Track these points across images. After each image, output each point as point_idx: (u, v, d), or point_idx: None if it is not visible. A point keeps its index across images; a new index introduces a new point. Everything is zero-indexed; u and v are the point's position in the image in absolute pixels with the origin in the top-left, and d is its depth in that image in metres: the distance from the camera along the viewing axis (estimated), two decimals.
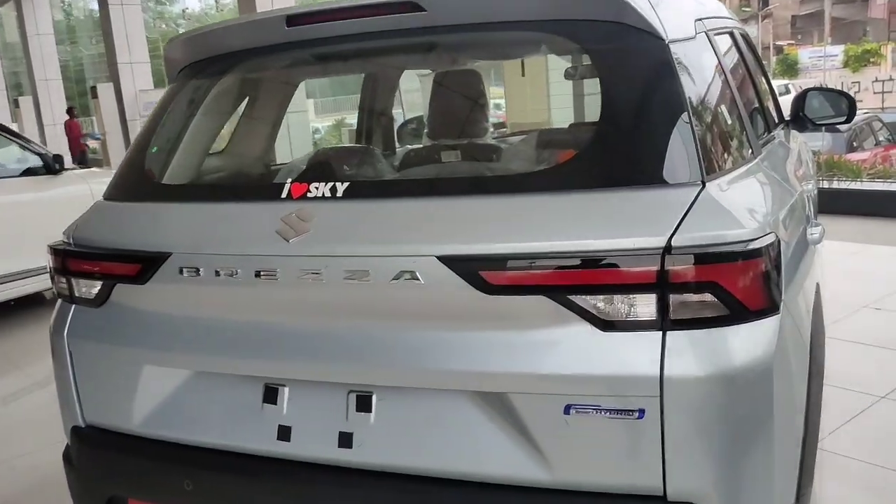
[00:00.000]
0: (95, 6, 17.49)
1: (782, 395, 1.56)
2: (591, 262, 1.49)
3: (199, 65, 2.19)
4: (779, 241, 1.58)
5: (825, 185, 7.64)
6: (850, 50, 30.64)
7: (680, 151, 1.58)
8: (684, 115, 1.60)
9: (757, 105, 2.64)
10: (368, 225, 1.69)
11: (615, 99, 1.67)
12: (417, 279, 1.58)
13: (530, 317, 1.54)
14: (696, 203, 1.51)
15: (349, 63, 2.58)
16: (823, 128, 3.30)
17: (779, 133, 2.83)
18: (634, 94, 1.67)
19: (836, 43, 33.33)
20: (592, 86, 1.95)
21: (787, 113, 3.21)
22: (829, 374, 2.76)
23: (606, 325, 1.50)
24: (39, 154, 6.21)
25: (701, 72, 1.81)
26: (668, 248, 1.46)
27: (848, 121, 3.15)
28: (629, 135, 1.62)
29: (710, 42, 2.00)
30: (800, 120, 3.11)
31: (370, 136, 3.80)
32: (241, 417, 1.82)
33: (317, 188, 1.75)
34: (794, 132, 3.26)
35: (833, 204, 6.41)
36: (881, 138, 12.75)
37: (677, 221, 1.48)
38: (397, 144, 3.73)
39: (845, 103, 3.10)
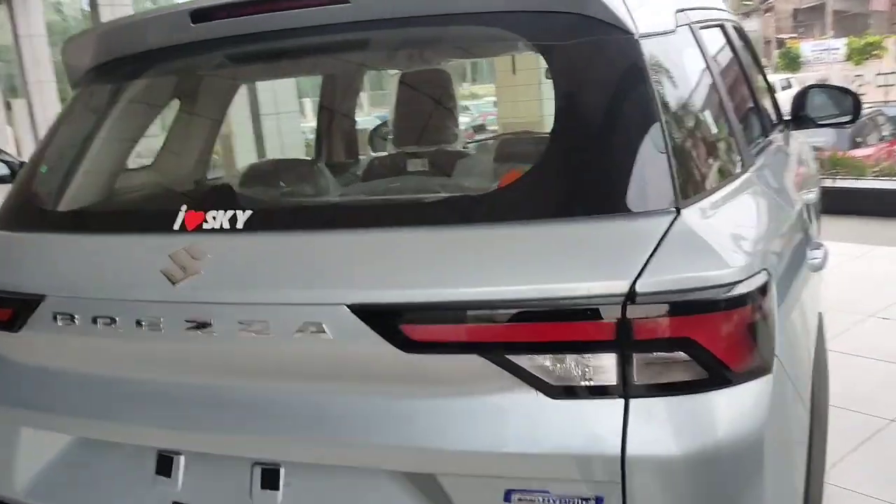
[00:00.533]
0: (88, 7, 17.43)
1: (776, 476, 1.30)
2: (536, 313, 1.23)
3: (104, 69, 1.91)
4: (770, 281, 1.30)
5: (828, 183, 7.38)
6: (853, 43, 30.41)
7: (650, 171, 1.33)
8: (655, 126, 1.34)
9: (751, 106, 2.37)
10: (269, 265, 1.43)
11: (570, 108, 1.42)
12: (325, 332, 1.32)
13: (462, 381, 1.29)
14: (668, 236, 1.26)
15: (269, 65, 2.30)
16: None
17: (776, 136, 2.56)
18: (593, 102, 1.41)
19: (838, 36, 33.11)
20: None
21: (787, 111, 2.99)
22: (831, 394, 2.53)
23: (555, 391, 1.25)
24: (5, 161, 6.04)
25: (681, 72, 1.57)
26: (630, 295, 1.21)
27: (853, 120, 2.97)
28: (585, 152, 1.36)
29: (695, 37, 1.75)
30: (801, 119, 2.90)
31: (328, 145, 3.51)
32: (130, 492, 1.57)
33: (214, 218, 1.48)
34: (794, 131, 3.00)
35: (836, 204, 6.17)
36: (885, 133, 12.52)
37: (643, 261, 1.23)
38: (360, 155, 3.45)
39: (850, 101, 2.92)
